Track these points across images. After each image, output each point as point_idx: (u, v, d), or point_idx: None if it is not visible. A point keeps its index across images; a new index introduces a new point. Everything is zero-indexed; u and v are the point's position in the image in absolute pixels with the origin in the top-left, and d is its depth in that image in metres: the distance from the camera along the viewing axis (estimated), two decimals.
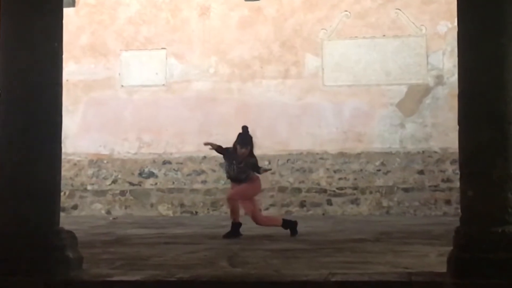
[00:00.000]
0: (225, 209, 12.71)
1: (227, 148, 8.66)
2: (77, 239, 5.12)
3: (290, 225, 8.48)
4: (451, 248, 4.54)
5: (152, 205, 13.06)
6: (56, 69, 5.04)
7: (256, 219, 8.55)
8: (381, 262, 5.68)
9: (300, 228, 9.33)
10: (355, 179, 12.56)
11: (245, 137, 8.62)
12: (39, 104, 4.88)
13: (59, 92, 5.07)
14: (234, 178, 8.59)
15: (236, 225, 8.40)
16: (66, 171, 12.94)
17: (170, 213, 12.95)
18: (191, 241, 7.79)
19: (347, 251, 6.57)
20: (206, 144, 8.84)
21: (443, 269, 4.63)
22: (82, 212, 13.15)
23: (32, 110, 4.86)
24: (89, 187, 13.27)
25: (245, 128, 8.72)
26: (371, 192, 12.49)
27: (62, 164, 12.76)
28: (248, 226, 8.64)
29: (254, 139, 8.61)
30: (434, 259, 5.73)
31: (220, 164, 11.78)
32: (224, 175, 12.65)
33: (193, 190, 12.92)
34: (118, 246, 7.35)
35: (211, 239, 7.99)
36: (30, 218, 4.78)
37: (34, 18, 4.90)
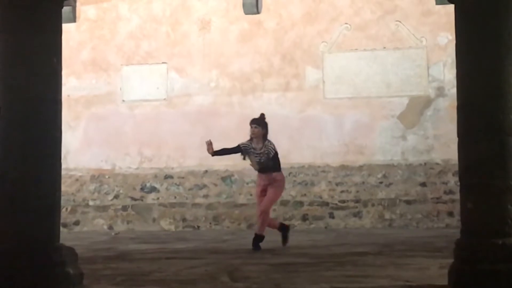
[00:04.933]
0: (227, 224, 12.74)
1: (238, 146, 8.82)
2: (78, 255, 5.11)
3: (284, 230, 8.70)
4: (453, 260, 4.53)
5: (154, 220, 13.04)
6: (55, 85, 5.05)
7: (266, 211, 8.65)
8: (382, 275, 5.65)
9: (302, 241, 9.32)
10: (357, 191, 12.53)
11: (257, 118, 8.90)
12: (38, 120, 4.88)
13: (59, 108, 5.07)
14: (263, 168, 8.68)
15: (261, 238, 8.50)
16: (67, 187, 12.95)
17: (172, 227, 12.93)
18: (192, 256, 7.77)
19: (349, 264, 6.55)
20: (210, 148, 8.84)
21: (444, 281, 4.62)
22: (84, 227, 13.14)
23: (31, 126, 4.86)
24: (91, 203, 13.26)
25: (261, 114, 9.00)
26: (373, 205, 12.46)
27: (64, 179, 12.77)
28: (248, 240, 8.62)
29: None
30: (436, 272, 5.70)
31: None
32: (226, 189, 12.82)
33: (195, 205, 12.90)
34: (119, 261, 7.33)
35: (212, 254, 7.96)
36: (30, 234, 4.77)
37: (32, 34, 4.91)
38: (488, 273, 4.22)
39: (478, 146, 4.41)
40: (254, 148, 8.75)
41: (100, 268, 6.56)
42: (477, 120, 4.45)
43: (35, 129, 4.87)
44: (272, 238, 10.07)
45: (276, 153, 8.74)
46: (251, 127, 8.82)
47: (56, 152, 5.06)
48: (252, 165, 8.79)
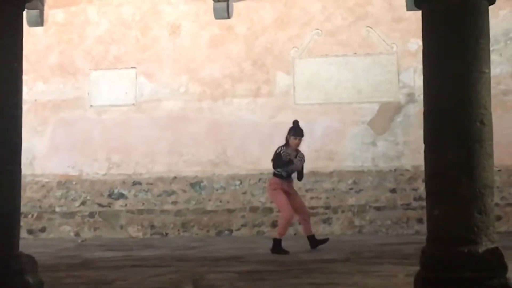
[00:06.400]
0: (196, 230, 12.61)
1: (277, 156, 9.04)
2: (37, 263, 4.98)
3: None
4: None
5: (121, 227, 12.87)
6: (16, 90, 4.94)
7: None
8: (348, 283, 5.59)
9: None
10: (327, 198, 12.48)
11: (298, 128, 9.04)
12: None
13: (19, 113, 4.95)
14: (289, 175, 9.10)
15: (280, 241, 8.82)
16: (34, 193, 12.77)
17: (140, 234, 12.77)
18: (158, 264, 7.64)
19: (316, 272, 6.47)
20: None
21: None
22: (51, 234, 12.93)
23: None
24: (57, 209, 13.05)
25: (295, 122, 9.14)
26: (343, 211, 12.42)
27: (30, 185, 12.53)
28: (216, 247, 8.52)
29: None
30: (402, 280, 5.65)
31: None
32: (195, 195, 12.70)
33: (163, 211, 12.77)
34: (83, 269, 7.19)
35: (179, 262, 7.84)
36: None
37: None
38: (453, 281, 4.16)
39: (445, 153, 4.35)
40: (289, 154, 9.01)
41: (63, 276, 6.43)
42: (443, 127, 4.39)
43: None
44: (240, 245, 10.00)
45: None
46: (296, 138, 9.01)
47: (15, 159, 4.94)
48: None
